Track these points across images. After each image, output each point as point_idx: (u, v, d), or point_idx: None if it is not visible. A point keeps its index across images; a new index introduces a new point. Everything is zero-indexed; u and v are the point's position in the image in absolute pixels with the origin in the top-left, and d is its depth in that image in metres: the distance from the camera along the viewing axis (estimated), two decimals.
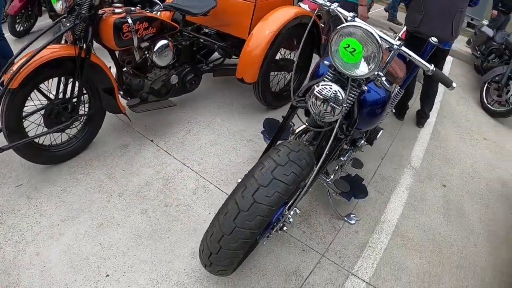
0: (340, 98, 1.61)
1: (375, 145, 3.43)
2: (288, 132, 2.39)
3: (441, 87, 5.31)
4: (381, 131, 2.69)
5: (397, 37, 3.46)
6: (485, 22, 6.76)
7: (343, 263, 2.30)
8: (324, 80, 1.69)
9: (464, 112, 4.82)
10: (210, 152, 2.98)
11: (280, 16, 3.07)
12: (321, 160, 1.72)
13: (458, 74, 6.24)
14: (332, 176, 2.38)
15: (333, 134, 1.69)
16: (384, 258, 2.41)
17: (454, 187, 3.26)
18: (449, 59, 6.79)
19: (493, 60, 5.83)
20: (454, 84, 1.69)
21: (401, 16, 7.90)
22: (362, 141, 2.54)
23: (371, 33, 1.46)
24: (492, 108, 4.98)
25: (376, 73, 1.61)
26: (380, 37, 1.53)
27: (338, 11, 1.82)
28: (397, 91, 2.50)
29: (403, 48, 1.65)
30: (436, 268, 2.45)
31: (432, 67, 1.65)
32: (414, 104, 4.29)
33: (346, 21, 1.65)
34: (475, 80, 5.98)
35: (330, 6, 1.82)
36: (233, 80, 3.16)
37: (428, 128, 4.08)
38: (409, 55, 1.66)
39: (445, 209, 2.98)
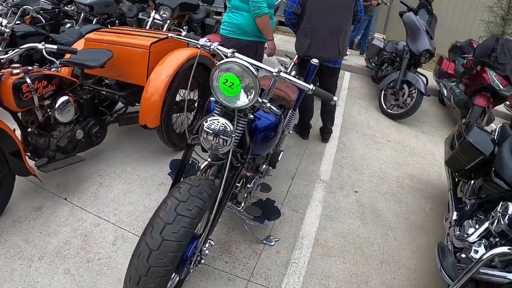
0: (229, 130, 1.78)
1: (285, 167, 3.66)
2: (195, 169, 2.51)
3: (343, 102, 5.77)
4: (282, 153, 2.90)
5: (292, 62, 3.77)
6: (378, 35, 7.45)
7: (269, 284, 2.44)
8: (213, 115, 1.86)
9: (366, 121, 5.29)
10: (124, 201, 3.02)
11: (175, 59, 3.25)
12: (220, 190, 1.86)
13: (357, 87, 6.85)
14: (243, 204, 2.52)
15: (227, 164, 1.84)
16: (309, 270, 2.58)
17: (365, 191, 3.56)
18: (347, 74, 7.41)
19: (387, 69, 6.49)
20: (334, 98, 1.93)
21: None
22: (264, 166, 2.72)
23: (246, 67, 1.65)
24: (392, 111, 5.53)
25: (261, 100, 1.79)
26: (258, 67, 1.72)
27: (218, 49, 2.00)
28: (291, 113, 2.73)
29: (282, 74, 1.88)
30: (361, 268, 2.67)
31: (311, 86, 1.88)
32: (318, 121, 4.61)
33: (226, 57, 1.83)
34: (373, 89, 6.61)
35: (210, 46, 2.00)
36: (138, 127, 3.25)
37: (334, 142, 4.45)
38: (288, 79, 1.86)
39: (360, 213, 3.24)
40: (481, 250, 2.06)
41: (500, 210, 2.10)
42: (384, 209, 3.37)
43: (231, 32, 3.69)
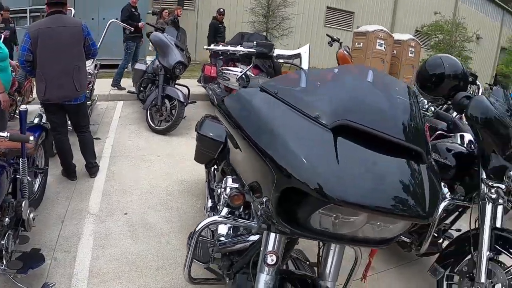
0: None
1: (55, 212, 3.73)
2: None
3: (113, 132, 5.96)
4: (24, 202, 2.93)
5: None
6: (149, 58, 7.75)
7: None
8: None
9: (136, 144, 5.65)
10: None
11: None
12: None
13: (129, 113, 7.17)
14: (4, 262, 2.54)
15: None
16: None
17: (135, 210, 3.86)
18: (120, 103, 7.66)
19: (150, 89, 6.86)
20: (31, 138, 2.08)
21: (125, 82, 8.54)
22: (7, 219, 2.74)
23: None
24: (160, 127, 6.04)
25: None
26: None
27: None
28: (21, 161, 2.82)
29: None
30: (138, 281, 2.96)
31: (6, 133, 1.98)
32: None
33: None
34: (144, 112, 6.89)
35: None
36: None
37: (102, 174, 4.64)
38: None
39: (131, 232, 3.51)
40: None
41: (222, 184, 2.54)
42: (155, 220, 3.71)
43: None
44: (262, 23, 14.49)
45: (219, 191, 2.83)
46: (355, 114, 1.31)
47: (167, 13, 9.85)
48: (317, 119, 1.31)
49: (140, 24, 8.79)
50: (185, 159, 4.98)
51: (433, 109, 3.17)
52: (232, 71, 7.09)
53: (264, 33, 13.92)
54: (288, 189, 1.26)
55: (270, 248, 1.57)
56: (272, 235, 1.58)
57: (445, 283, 2.86)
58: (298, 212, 1.34)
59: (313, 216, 1.30)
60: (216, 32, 10.78)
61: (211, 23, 11.04)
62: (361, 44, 13.83)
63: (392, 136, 1.28)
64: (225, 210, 2.35)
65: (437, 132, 3.62)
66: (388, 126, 1.31)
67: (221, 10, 10.99)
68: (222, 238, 2.24)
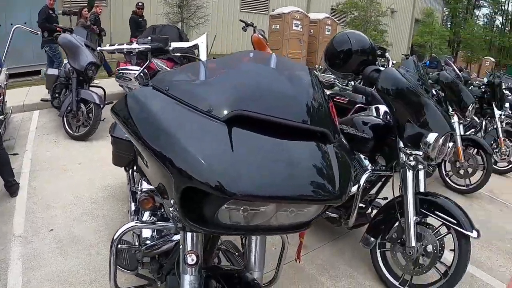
0: None
1: None
2: None
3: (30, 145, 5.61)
4: None
5: None
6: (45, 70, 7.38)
7: None
8: None
9: (55, 154, 5.46)
10: None
11: None
12: None
13: (46, 122, 6.84)
14: None
15: None
16: None
17: (61, 224, 3.69)
18: (36, 113, 7.33)
19: (65, 94, 6.50)
20: None
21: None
22: None
23: None
24: (78, 133, 5.93)
25: None
26: None
27: None
28: None
29: None
30: None
31: None
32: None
33: None
34: (60, 120, 6.55)
35: None
36: None
37: (24, 191, 4.35)
38: None
39: (59, 248, 3.34)
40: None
41: (138, 187, 2.45)
42: (82, 232, 3.54)
43: None
44: (177, 14, 14.22)
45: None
46: (252, 102, 1.26)
47: (86, 12, 9.44)
48: (209, 113, 1.25)
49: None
50: (107, 163, 4.75)
51: (352, 83, 3.25)
52: (131, 70, 6.91)
53: (180, 24, 13.71)
54: (190, 188, 1.21)
55: (188, 248, 1.53)
56: (189, 234, 1.54)
57: (378, 251, 2.98)
58: (204, 210, 1.30)
59: (220, 212, 1.26)
60: (137, 26, 10.55)
61: (131, 18, 10.80)
62: (278, 27, 14.06)
63: (291, 120, 1.26)
64: (146, 213, 2.29)
65: (357, 106, 3.73)
66: (289, 111, 1.28)
67: (140, 3, 10.73)
68: (147, 242, 2.18)
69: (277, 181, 1.16)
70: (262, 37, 6.37)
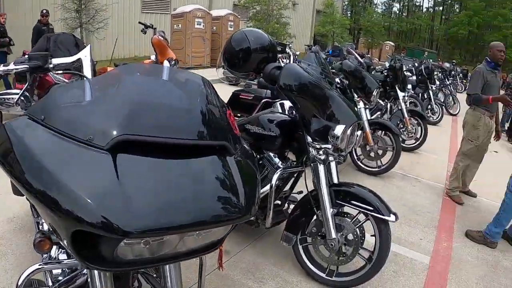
0: None
1: None
2: None
3: None
4: None
5: None
6: None
7: None
8: None
9: None
10: None
11: None
12: None
13: None
14: None
15: None
16: None
17: None
18: None
19: None
20: None
21: None
22: None
23: None
24: None
25: None
26: None
27: None
28: None
29: None
30: None
31: None
32: None
33: None
34: None
35: None
36: None
37: None
38: None
39: None
40: None
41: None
42: None
43: None
44: (75, 19, 13.45)
45: None
46: (139, 123, 1.14)
47: None
48: (90, 142, 1.11)
49: None
50: (10, 192, 4.38)
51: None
52: (11, 94, 6.46)
53: (79, 30, 13.03)
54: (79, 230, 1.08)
55: (98, 286, 1.38)
56: (95, 272, 1.39)
57: (300, 247, 2.98)
58: (100, 250, 1.16)
59: (120, 249, 1.13)
60: (39, 36, 9.86)
61: (35, 27, 10.11)
62: (180, 26, 13.91)
63: (185, 139, 1.17)
64: (54, 248, 2.07)
65: (263, 101, 3.71)
66: (183, 128, 1.19)
67: (44, 10, 10.12)
68: (60, 278, 1.98)
69: (176, 209, 1.06)
70: (163, 38, 6.18)
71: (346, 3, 47.77)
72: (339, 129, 2.45)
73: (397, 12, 61.00)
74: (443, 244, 3.97)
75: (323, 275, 2.92)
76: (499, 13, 44.37)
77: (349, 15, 49.08)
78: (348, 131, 2.50)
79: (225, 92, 4.83)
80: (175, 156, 1.14)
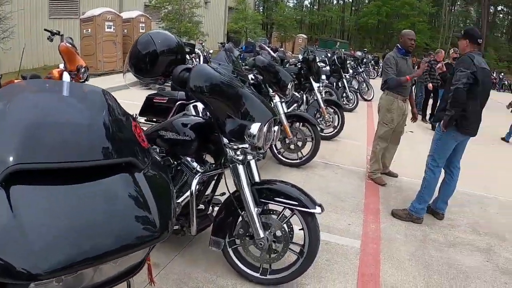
0: None
1: None
2: None
3: None
4: None
5: None
6: None
7: None
8: None
9: None
10: None
11: None
12: None
13: None
14: None
15: None
16: None
17: None
18: None
19: None
20: None
21: None
22: None
23: None
24: None
25: None
26: None
27: None
28: None
29: None
30: None
31: None
32: None
33: None
34: None
35: None
36: None
37: None
38: None
39: None
40: None
41: None
42: None
43: None
44: None
45: None
46: (34, 149, 1.03)
47: None
48: None
49: None
50: None
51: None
52: None
53: None
54: None
55: None
56: None
57: (229, 250, 2.92)
58: None
59: None
60: None
61: None
62: (90, 31, 13.31)
63: (87, 160, 1.07)
64: None
65: (178, 103, 3.59)
66: (84, 149, 1.09)
67: None
68: None
69: (85, 239, 0.96)
70: (70, 45, 5.82)
71: None
72: (254, 128, 2.40)
73: (309, 5, 63.03)
74: (371, 226, 4.10)
75: (257, 274, 2.88)
76: (406, 2, 47.71)
77: (261, 10, 49.81)
78: (264, 129, 2.46)
79: (139, 97, 4.64)
80: (79, 180, 1.04)
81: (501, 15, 57.18)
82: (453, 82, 3.88)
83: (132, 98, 5.22)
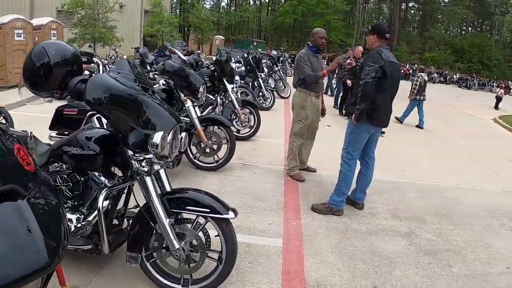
0: None
1: None
2: None
3: None
4: None
5: None
6: None
7: None
8: None
9: None
10: None
11: None
12: None
13: None
14: None
15: None
16: None
17: None
18: None
19: None
20: None
21: None
22: None
23: None
24: None
25: None
26: None
27: None
28: None
29: None
30: None
31: None
32: None
33: None
34: None
35: None
36: None
37: None
38: None
39: None
40: None
41: None
42: None
43: None
44: None
45: None
46: None
47: None
48: None
49: None
50: None
51: None
52: None
53: None
54: None
55: None
56: None
57: (147, 264, 2.82)
58: None
59: None
60: None
61: None
62: None
63: None
64: None
65: (88, 114, 3.44)
66: None
67: None
68: None
69: None
70: None
71: (175, 1, 47.93)
72: (157, 137, 2.31)
73: (225, 6, 63.32)
74: (293, 223, 4.15)
75: (179, 286, 2.81)
76: (321, 1, 49.96)
77: (178, 13, 49.30)
78: (169, 137, 2.37)
79: (48, 110, 4.32)
80: None
81: (412, 11, 61.55)
82: (362, 77, 4.04)
83: (47, 111, 4.80)
